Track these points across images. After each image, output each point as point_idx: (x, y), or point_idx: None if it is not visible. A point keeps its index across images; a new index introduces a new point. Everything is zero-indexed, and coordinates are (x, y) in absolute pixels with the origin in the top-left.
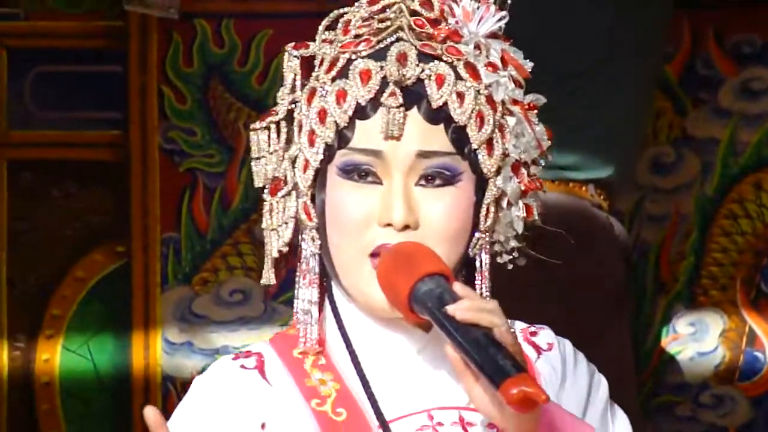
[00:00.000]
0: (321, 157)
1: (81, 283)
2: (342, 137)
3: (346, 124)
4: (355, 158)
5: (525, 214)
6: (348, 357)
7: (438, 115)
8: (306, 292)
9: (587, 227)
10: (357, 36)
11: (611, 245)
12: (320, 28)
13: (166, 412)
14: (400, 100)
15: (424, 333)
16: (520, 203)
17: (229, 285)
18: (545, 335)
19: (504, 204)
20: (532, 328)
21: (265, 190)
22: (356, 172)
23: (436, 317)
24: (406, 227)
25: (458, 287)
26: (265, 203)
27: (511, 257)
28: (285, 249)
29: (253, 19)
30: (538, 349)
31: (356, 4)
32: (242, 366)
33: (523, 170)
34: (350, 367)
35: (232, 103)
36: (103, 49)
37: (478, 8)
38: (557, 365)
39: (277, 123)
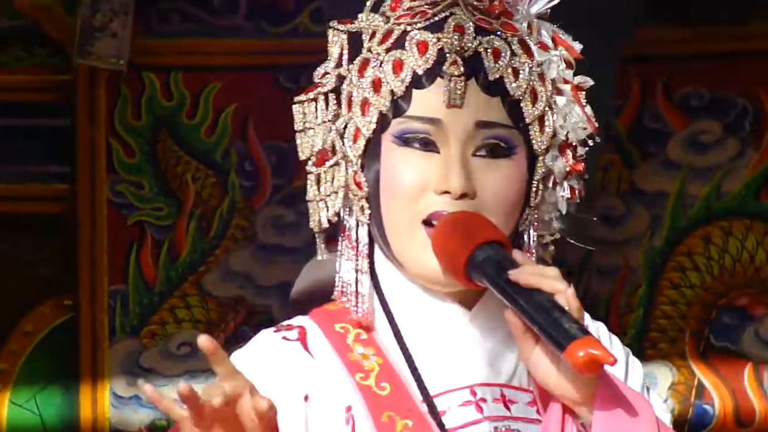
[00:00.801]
0: (374, 126)
1: (28, 337)
2: (397, 106)
3: (402, 93)
4: (414, 126)
5: (569, 195)
6: (390, 331)
7: (495, 88)
8: (351, 264)
9: None
10: (410, 9)
11: None
12: (368, 4)
13: None
14: (462, 69)
15: (467, 309)
16: (565, 184)
17: (177, 338)
18: None
19: (550, 183)
20: None
21: (309, 162)
22: (414, 140)
23: (497, 283)
24: (464, 195)
25: (517, 254)
26: (310, 175)
27: (553, 237)
28: (334, 219)
29: (201, 72)
30: None
31: None
32: (284, 338)
33: (569, 151)
34: (392, 342)
35: (181, 156)
36: (52, 103)
37: None
38: None
39: (325, 94)
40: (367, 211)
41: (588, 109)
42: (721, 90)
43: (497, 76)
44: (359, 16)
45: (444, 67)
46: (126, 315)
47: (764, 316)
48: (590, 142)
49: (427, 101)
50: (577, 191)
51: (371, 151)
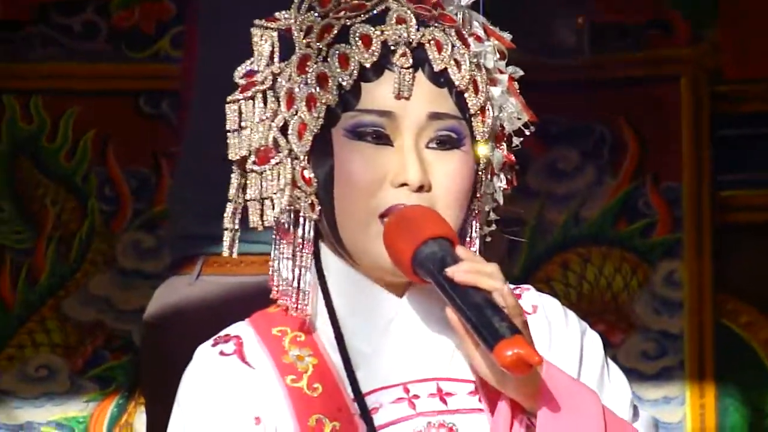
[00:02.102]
0: (322, 121)
1: None
2: (345, 100)
3: (350, 87)
4: (366, 119)
5: (505, 186)
6: (331, 331)
7: (442, 79)
8: (291, 263)
9: None
10: (346, 2)
11: None
12: (295, 2)
13: None
14: (411, 61)
15: (400, 298)
16: (502, 175)
17: (35, 361)
18: (529, 297)
19: (489, 174)
20: (516, 291)
21: (249, 161)
22: (368, 134)
23: (437, 279)
24: (420, 188)
25: (461, 250)
26: (251, 174)
27: (490, 229)
28: (280, 216)
29: (62, 96)
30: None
31: None
32: (222, 352)
33: (504, 142)
34: (332, 341)
35: (40, 179)
36: None
37: None
38: (543, 327)
39: (263, 92)
40: (318, 207)
41: (522, 98)
42: (579, 118)
43: (442, 67)
44: (282, 13)
45: (393, 59)
46: None
47: (622, 343)
48: (527, 132)
49: (377, 94)
50: (512, 181)
51: (319, 146)
